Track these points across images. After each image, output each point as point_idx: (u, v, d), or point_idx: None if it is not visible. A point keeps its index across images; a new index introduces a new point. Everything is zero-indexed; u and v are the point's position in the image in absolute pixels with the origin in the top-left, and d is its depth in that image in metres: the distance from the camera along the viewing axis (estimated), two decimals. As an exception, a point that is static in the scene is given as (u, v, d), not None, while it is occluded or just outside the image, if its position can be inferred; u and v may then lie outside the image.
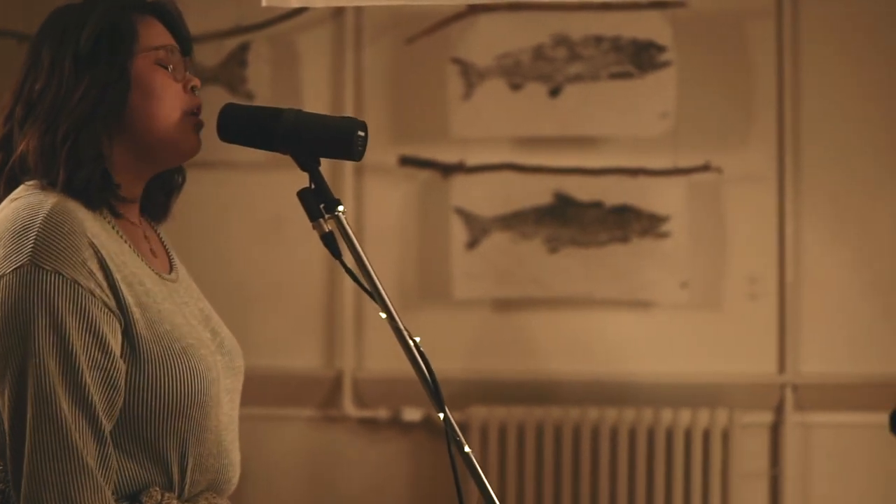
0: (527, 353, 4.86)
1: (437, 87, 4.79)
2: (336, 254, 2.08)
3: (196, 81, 2.08)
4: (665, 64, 4.69)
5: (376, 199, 4.92)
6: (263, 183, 4.83)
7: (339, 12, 4.88)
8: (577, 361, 4.85)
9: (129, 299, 1.93)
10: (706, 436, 4.71)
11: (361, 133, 2.03)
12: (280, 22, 4.83)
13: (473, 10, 4.62)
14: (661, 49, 4.69)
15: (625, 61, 4.71)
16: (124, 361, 1.91)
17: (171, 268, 2.15)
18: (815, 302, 4.83)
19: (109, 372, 1.88)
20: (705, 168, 4.72)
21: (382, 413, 4.89)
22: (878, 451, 4.83)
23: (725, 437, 4.70)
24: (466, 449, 2.02)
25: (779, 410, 4.82)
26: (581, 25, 4.71)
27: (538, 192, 4.79)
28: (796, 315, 4.81)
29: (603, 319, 4.86)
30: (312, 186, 2.08)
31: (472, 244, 4.80)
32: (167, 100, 2.02)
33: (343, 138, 2.03)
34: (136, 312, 1.93)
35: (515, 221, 4.80)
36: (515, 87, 4.75)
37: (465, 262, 4.81)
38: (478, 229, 4.79)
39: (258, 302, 4.90)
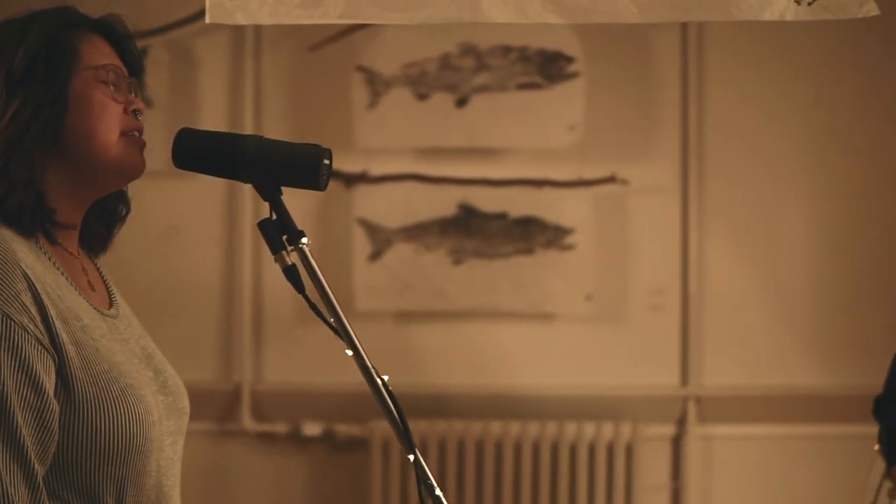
0: (429, 366, 4.80)
1: (341, 96, 4.71)
2: (299, 288, 1.93)
3: (139, 105, 1.99)
4: (573, 75, 4.67)
5: (276, 209, 4.82)
6: (158, 191, 4.70)
7: (239, 17, 4.78)
8: (481, 375, 4.81)
9: (64, 336, 1.82)
10: (610, 449, 4.69)
11: (327, 161, 1.93)
12: (179, 27, 4.72)
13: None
14: (569, 60, 4.67)
15: (533, 72, 4.68)
16: (58, 402, 1.80)
17: (112, 303, 2.04)
18: (718, 314, 4.85)
19: (43, 413, 1.77)
20: (611, 180, 4.71)
21: (281, 427, 4.80)
22: (778, 462, 4.87)
23: (629, 450, 4.69)
24: (438, 492, 1.92)
25: (681, 423, 4.83)
26: (489, 35, 4.67)
27: (442, 203, 4.74)
28: (699, 327, 4.83)
29: (507, 332, 4.82)
30: (273, 217, 1.92)
31: (375, 256, 4.73)
32: (105, 120, 1.93)
33: (309, 167, 1.93)
34: (70, 350, 1.82)
35: (419, 233, 4.74)
36: (422, 96, 4.69)
37: (367, 274, 4.73)
38: (381, 241, 4.72)
39: (152, 313, 4.69)
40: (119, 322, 2.00)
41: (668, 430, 4.83)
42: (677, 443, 4.84)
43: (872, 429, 4.63)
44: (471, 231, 4.74)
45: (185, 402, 2.06)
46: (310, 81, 4.80)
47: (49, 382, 1.78)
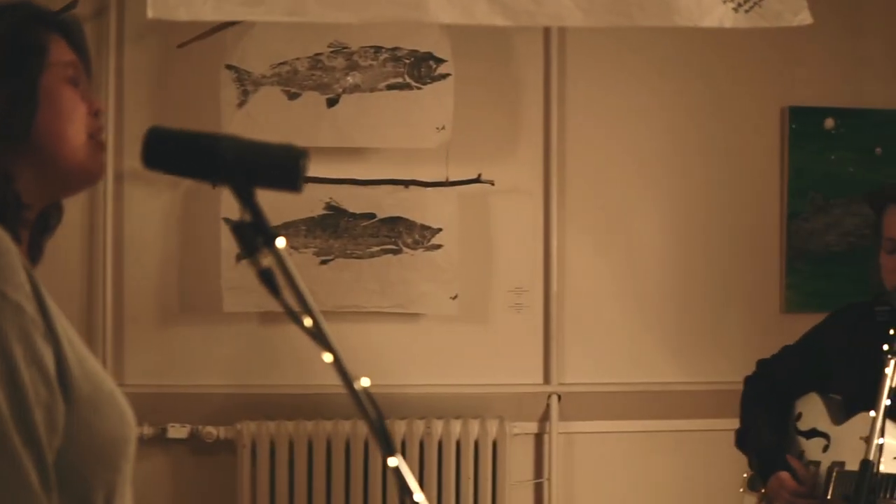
0: (296, 366, 4.77)
1: (210, 94, 4.64)
2: (275, 291, 1.88)
3: (101, 105, 1.95)
4: (443, 76, 4.70)
5: (138, 208, 4.74)
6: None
7: (101, 10, 4.69)
8: (348, 374, 4.80)
9: (60, 332, 1.72)
10: (477, 446, 4.74)
11: (303, 163, 1.89)
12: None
13: (249, 15, 4.50)
14: (439, 61, 4.70)
15: (403, 72, 4.70)
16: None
17: None
18: (578, 313, 4.94)
19: (52, 411, 1.67)
20: (477, 180, 4.75)
21: (147, 430, 4.71)
22: (636, 456, 4.98)
23: (496, 446, 4.75)
24: (416, 497, 1.86)
25: (544, 420, 4.90)
26: (360, 35, 4.66)
27: (310, 203, 4.72)
28: (560, 327, 4.91)
29: (374, 331, 4.83)
30: (247, 218, 1.87)
31: (242, 256, 4.67)
32: (75, 121, 1.88)
33: (288, 168, 1.87)
34: (66, 347, 1.72)
35: (286, 233, 4.70)
36: (292, 95, 4.67)
37: (234, 275, 4.69)
38: (247, 241, 4.67)
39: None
40: None
41: (533, 426, 4.91)
42: (540, 439, 4.93)
43: (723, 422, 4.82)
44: (338, 231, 4.73)
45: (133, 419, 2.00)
46: (178, 79, 4.73)
47: (55, 378, 1.69)
